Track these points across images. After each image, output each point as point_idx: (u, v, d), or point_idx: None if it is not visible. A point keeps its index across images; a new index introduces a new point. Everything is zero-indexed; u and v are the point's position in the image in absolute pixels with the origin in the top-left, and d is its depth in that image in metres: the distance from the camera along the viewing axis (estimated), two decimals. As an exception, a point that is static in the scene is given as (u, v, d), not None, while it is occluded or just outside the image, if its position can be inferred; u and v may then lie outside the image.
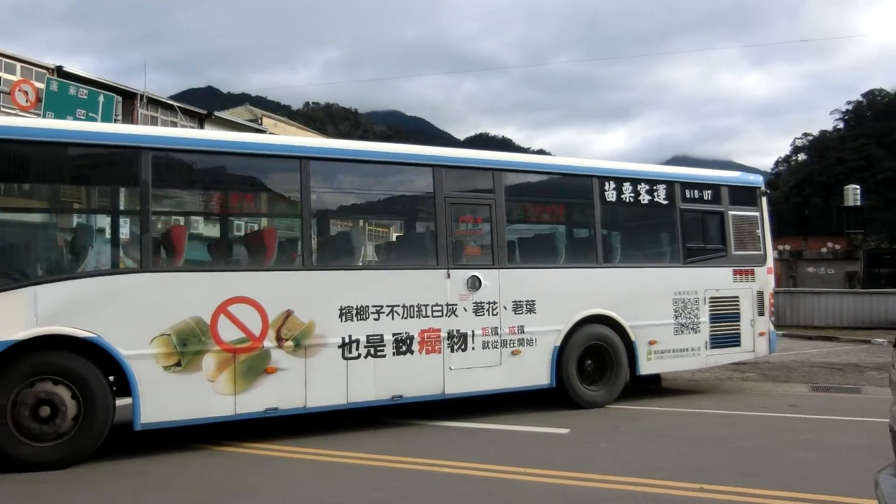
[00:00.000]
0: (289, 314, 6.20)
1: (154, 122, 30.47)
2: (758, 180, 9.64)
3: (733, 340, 8.81)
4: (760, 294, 9.08)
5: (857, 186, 39.77)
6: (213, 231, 6.97)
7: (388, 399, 6.63)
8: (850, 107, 67.45)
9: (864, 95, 67.72)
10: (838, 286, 31.46)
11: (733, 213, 9.07)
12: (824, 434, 6.58)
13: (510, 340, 7.27)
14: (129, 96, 26.15)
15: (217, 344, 5.90)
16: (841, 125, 66.56)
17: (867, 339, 17.27)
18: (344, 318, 6.44)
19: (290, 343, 6.18)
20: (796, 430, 6.73)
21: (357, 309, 6.51)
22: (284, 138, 6.88)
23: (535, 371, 7.41)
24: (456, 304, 7.00)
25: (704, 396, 8.69)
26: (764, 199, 9.50)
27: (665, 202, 8.58)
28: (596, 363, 7.88)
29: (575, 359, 7.63)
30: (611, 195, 8.19)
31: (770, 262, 9.37)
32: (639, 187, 8.38)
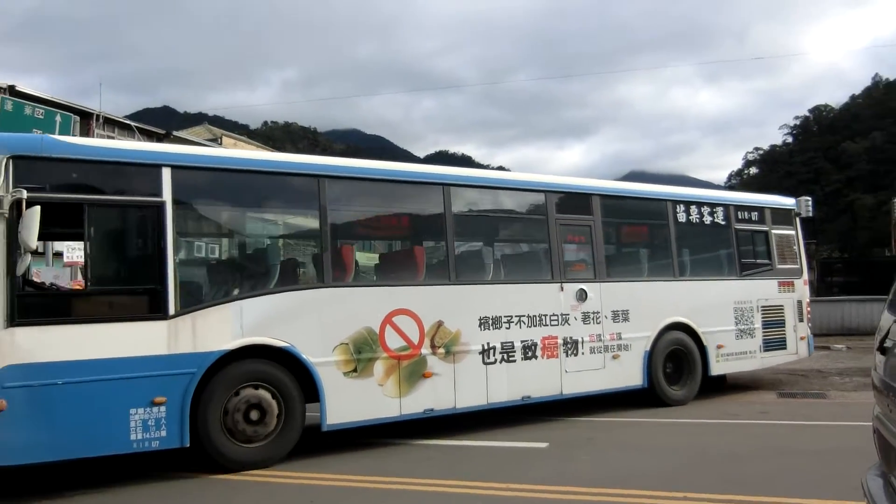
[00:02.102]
0: (440, 324, 6.94)
1: (112, 142, 29.91)
2: (792, 203, 10.86)
3: (781, 344, 9.93)
4: (799, 303, 10.24)
5: (809, 198, 42.04)
6: (375, 250, 7.64)
7: (518, 399, 7.42)
8: (797, 122, 71.28)
9: (810, 111, 71.40)
10: (794, 294, 33.10)
11: (775, 231, 10.23)
12: (797, 439, 6.61)
13: (611, 346, 8.17)
14: (84, 116, 24.97)
15: (385, 351, 6.59)
16: (790, 139, 70.17)
17: (826, 345, 17.78)
18: (483, 327, 7.21)
19: (441, 350, 6.91)
20: (770, 437, 6.74)
21: (493, 319, 7.28)
22: (430, 167, 7.60)
23: (630, 374, 8.32)
24: (568, 314, 7.86)
25: (675, 406, 8.54)
26: (797, 220, 10.71)
27: (723, 222, 9.67)
28: (674, 366, 8.84)
29: (661, 362, 8.58)
30: (682, 216, 9.22)
31: (805, 275, 10.56)
32: (702, 209, 9.43)
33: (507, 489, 5.02)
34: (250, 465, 5.84)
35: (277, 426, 5.99)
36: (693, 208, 9.37)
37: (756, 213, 10.13)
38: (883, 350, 2.72)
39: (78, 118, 16.19)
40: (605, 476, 5.35)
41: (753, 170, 73.89)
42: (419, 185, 7.25)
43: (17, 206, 5.07)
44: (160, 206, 5.65)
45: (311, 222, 6.59)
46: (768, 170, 68.45)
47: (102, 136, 28.72)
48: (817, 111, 70.09)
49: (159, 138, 32.41)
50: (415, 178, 7.23)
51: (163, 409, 5.49)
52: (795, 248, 10.49)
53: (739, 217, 9.86)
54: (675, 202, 9.22)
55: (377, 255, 7.98)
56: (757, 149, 76.16)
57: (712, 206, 9.60)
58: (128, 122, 31.21)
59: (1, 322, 4.99)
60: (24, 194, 5.06)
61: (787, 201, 10.84)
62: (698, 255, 9.70)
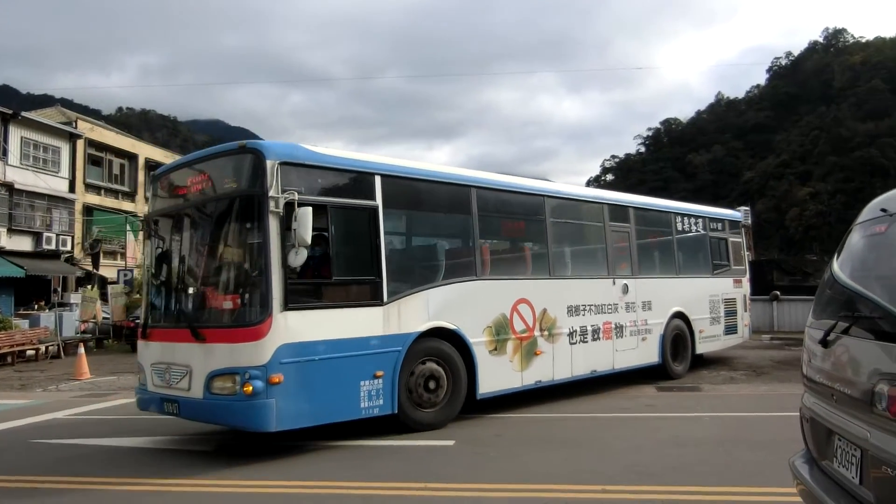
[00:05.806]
0: (545, 311, 8.45)
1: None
2: (741, 215, 13.60)
3: (735, 329, 12.56)
4: (745, 296, 12.97)
5: (748, 208, 47.86)
6: (499, 248, 8.91)
7: (589, 373, 9.13)
8: (650, 133, 79.75)
9: (661, 123, 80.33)
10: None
11: (731, 238, 12.87)
12: (688, 430, 6.86)
13: (641, 330, 10.14)
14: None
15: (513, 333, 7.99)
16: (643, 149, 78.42)
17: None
18: (569, 313, 8.83)
19: (546, 332, 8.44)
20: (663, 429, 6.98)
21: (575, 307, 8.93)
22: (534, 182, 9.06)
23: (651, 353, 10.36)
24: (617, 303, 9.70)
25: (564, 402, 8.72)
26: (743, 229, 13.47)
27: (703, 231, 12.07)
28: (674, 347, 11.02)
29: (669, 343, 10.72)
30: (679, 225, 11.46)
31: (748, 274, 13.33)
32: (690, 220, 11.75)
33: (419, 488, 4.88)
34: (427, 426, 7.00)
35: (447, 394, 7.20)
36: (686, 219, 11.65)
37: (720, 223, 12.67)
38: (826, 343, 2.85)
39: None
40: (517, 472, 5.32)
41: (610, 176, 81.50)
42: (529, 196, 8.69)
43: (287, 206, 5.86)
44: (375, 209, 6.64)
45: (467, 224, 7.79)
46: (623, 177, 75.93)
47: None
48: (667, 124, 78.84)
49: (5, 119, 29.46)
50: (526, 190, 8.67)
51: (380, 381, 6.52)
52: (742, 252, 13.21)
53: (711, 227, 12.33)
54: (675, 214, 11.43)
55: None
56: (613, 157, 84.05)
57: (696, 217, 11.95)
58: (-34, 101, 27.88)
59: (278, 306, 5.79)
60: (296, 196, 5.86)
61: (737, 214, 13.55)
62: (686, 257, 12.02)
